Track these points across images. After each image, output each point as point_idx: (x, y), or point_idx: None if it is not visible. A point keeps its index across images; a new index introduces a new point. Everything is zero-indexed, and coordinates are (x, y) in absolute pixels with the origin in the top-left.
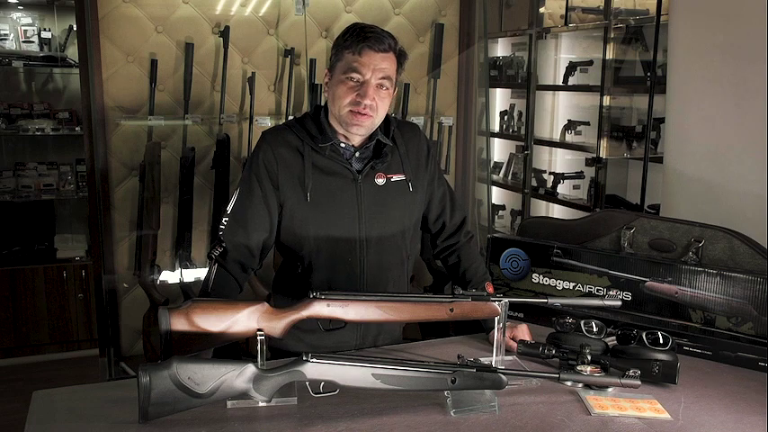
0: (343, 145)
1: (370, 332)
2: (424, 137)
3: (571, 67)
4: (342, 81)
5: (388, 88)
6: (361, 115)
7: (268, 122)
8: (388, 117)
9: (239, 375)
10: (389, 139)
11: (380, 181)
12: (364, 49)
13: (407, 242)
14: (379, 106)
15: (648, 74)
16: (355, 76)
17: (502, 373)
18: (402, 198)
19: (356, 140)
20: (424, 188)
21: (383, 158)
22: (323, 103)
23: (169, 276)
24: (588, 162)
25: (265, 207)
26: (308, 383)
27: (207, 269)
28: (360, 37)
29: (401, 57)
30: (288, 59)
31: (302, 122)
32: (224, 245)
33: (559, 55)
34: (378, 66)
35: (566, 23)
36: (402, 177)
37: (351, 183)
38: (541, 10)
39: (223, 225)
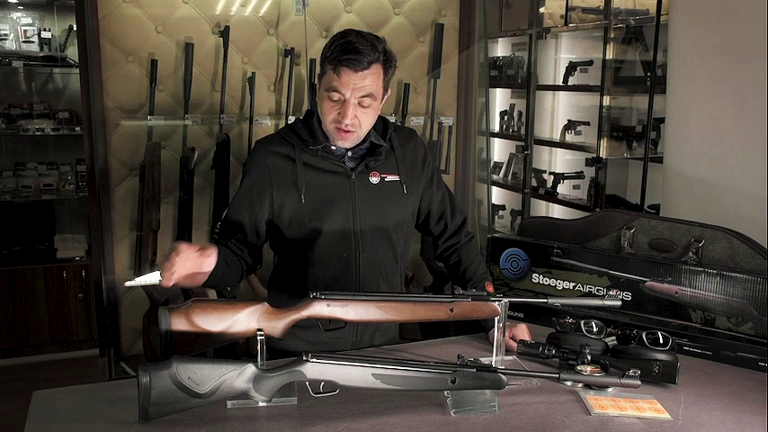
0: (334, 147)
1: (367, 330)
2: (420, 142)
3: (571, 67)
4: (324, 97)
5: (370, 104)
6: (345, 132)
7: (268, 122)
8: (386, 121)
9: (239, 375)
10: (386, 142)
11: (374, 179)
12: (342, 69)
13: (401, 241)
14: (363, 121)
15: (648, 74)
16: (335, 95)
17: (502, 373)
18: (395, 198)
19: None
20: (419, 191)
21: (377, 157)
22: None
23: None
24: (588, 162)
25: (250, 217)
26: (308, 383)
27: None
28: (340, 54)
29: (387, 63)
30: (288, 59)
31: (293, 128)
32: (219, 234)
33: (559, 55)
34: (357, 85)
35: (566, 23)
36: (396, 178)
37: (345, 179)
38: (541, 10)
39: (217, 229)
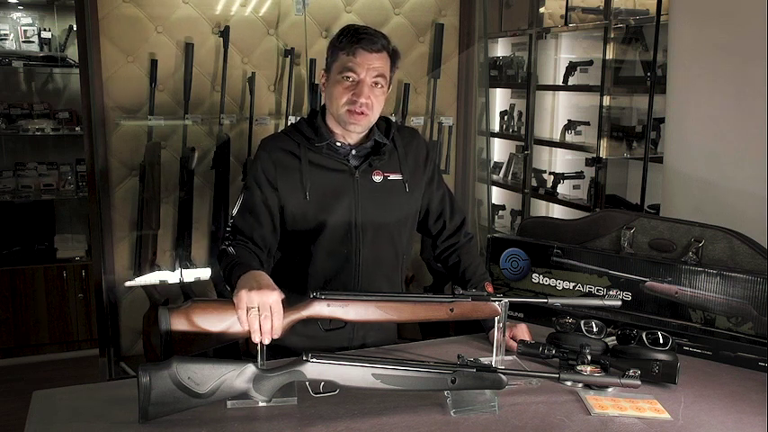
0: (339, 144)
1: (364, 326)
2: (423, 141)
3: (571, 67)
4: (338, 81)
5: (382, 86)
6: (358, 114)
7: (268, 122)
8: (389, 120)
9: (239, 375)
10: (389, 141)
11: (377, 178)
12: (358, 49)
13: (402, 241)
14: (375, 104)
15: (648, 74)
16: (350, 75)
17: (502, 373)
18: (398, 197)
19: (353, 140)
20: (421, 190)
21: (380, 156)
22: (320, 105)
23: (169, 276)
24: (588, 162)
25: (266, 208)
26: (308, 383)
27: (218, 260)
28: (354, 38)
29: (394, 56)
30: (288, 59)
31: (297, 127)
32: (231, 238)
33: (559, 55)
34: (372, 65)
35: (566, 23)
36: (399, 177)
37: (348, 177)
38: (541, 10)
39: (229, 227)
